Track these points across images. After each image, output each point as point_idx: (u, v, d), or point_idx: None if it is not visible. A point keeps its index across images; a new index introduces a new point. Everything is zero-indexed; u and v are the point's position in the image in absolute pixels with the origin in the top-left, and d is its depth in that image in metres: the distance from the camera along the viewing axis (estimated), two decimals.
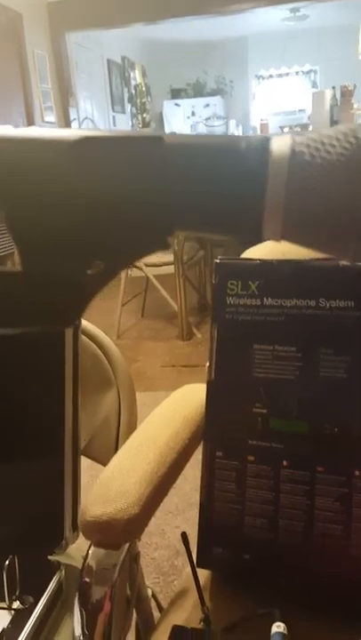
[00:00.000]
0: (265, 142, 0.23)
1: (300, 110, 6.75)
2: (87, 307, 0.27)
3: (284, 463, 0.69)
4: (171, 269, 3.16)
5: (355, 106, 4.92)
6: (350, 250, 0.24)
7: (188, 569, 0.71)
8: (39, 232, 0.24)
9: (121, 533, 0.57)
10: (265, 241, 0.25)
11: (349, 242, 0.23)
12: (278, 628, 0.61)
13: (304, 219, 0.24)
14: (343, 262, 0.68)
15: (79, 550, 0.77)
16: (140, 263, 3.21)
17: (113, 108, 6.80)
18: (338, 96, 5.05)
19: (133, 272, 3.33)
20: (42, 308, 0.26)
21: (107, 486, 0.61)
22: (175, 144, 0.24)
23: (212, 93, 7.99)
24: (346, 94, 4.91)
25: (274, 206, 0.23)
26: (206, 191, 0.24)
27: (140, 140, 0.24)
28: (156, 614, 0.85)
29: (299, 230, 0.24)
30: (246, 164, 0.23)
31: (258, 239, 0.25)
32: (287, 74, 7.95)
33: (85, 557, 0.58)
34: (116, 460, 0.66)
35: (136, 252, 0.26)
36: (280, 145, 0.23)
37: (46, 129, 0.25)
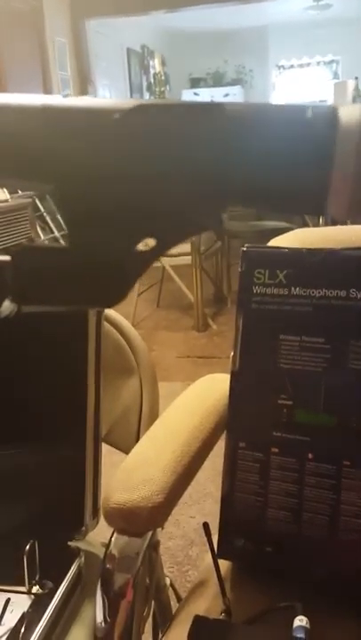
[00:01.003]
0: (333, 111, 0.22)
1: (322, 101, 6.66)
2: (133, 286, 0.26)
3: (310, 456, 0.67)
4: (187, 260, 3.15)
5: None
6: None
7: (208, 559, 0.70)
8: (89, 206, 0.23)
9: (145, 522, 0.56)
10: (329, 217, 0.23)
11: None
12: (301, 621, 0.61)
13: None
14: None
15: (98, 537, 0.77)
16: None
17: (132, 96, 6.76)
18: (360, 86, 4.97)
19: None
20: (86, 287, 0.25)
21: (130, 473, 0.60)
22: (237, 112, 0.23)
23: (232, 83, 7.91)
24: None
25: (342, 178, 0.22)
26: (269, 163, 0.23)
27: (199, 108, 0.23)
28: (173, 603, 0.85)
29: None
30: (313, 133, 0.22)
31: (320, 213, 0.24)
32: (308, 64, 7.85)
33: (108, 544, 0.58)
34: (139, 448, 0.65)
35: (189, 227, 0.25)
36: (349, 114, 0.22)
37: (99, 99, 0.24)
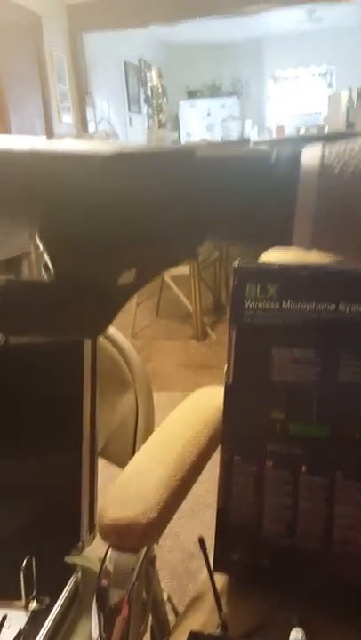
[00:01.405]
0: (295, 155, 0.23)
1: (317, 113, 6.71)
2: (115, 316, 0.27)
3: (304, 469, 0.68)
4: (186, 270, 3.16)
5: None
6: None
7: (205, 573, 0.71)
8: (72, 242, 0.25)
9: (140, 537, 0.57)
10: (296, 247, 0.24)
11: None
12: (297, 634, 0.61)
13: (333, 229, 0.24)
14: None
15: (95, 552, 0.77)
16: None
17: (130, 109, 6.82)
18: (354, 97, 5.01)
19: None
20: (72, 318, 0.26)
21: (125, 489, 0.60)
22: (206, 157, 0.24)
23: (228, 94, 7.98)
24: None
25: (303, 218, 0.23)
26: (237, 203, 0.24)
27: (172, 155, 0.24)
28: (171, 618, 0.85)
29: (328, 240, 0.24)
30: (277, 176, 0.23)
31: (288, 247, 0.25)
32: (303, 75, 7.91)
33: (103, 560, 0.58)
34: (134, 463, 0.65)
35: (167, 261, 0.26)
36: (310, 158, 0.23)
37: (81, 141, 0.25)
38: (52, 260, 0.25)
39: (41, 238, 0.25)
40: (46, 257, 0.25)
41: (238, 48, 7.73)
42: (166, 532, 1.60)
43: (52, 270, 0.25)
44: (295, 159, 0.23)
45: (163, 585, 1.35)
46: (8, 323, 0.27)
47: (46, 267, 0.25)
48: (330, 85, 7.72)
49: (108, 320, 0.27)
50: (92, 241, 0.25)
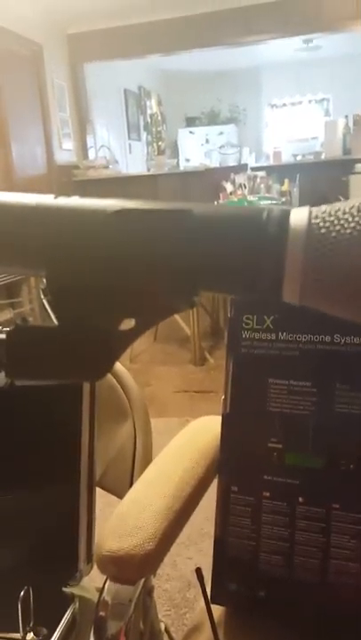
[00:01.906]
0: (285, 214, 0.25)
1: (313, 138, 6.83)
2: (116, 361, 0.28)
3: (300, 499, 0.69)
4: None
5: None
6: None
7: (202, 603, 0.71)
8: (76, 292, 0.26)
9: (137, 569, 0.57)
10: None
11: None
12: None
13: (320, 287, 0.25)
14: None
15: (93, 582, 0.77)
16: None
17: (129, 136, 6.93)
18: (351, 124, 5.11)
19: None
20: (74, 363, 0.27)
21: (123, 520, 0.61)
22: (202, 216, 0.26)
23: (226, 122, 8.12)
24: (359, 123, 4.97)
25: (292, 274, 0.25)
26: (230, 258, 0.26)
27: (170, 213, 0.26)
28: None
29: (315, 297, 0.26)
30: (267, 234, 0.25)
31: (279, 302, 0.26)
32: (300, 102, 8.07)
33: (101, 591, 0.59)
34: (131, 494, 0.66)
35: (165, 310, 0.27)
36: (298, 218, 0.25)
37: (87, 199, 0.27)
38: (56, 308, 0.27)
39: (47, 287, 0.26)
40: (46, 304, 0.26)
41: (236, 76, 7.90)
42: (165, 560, 1.59)
43: (54, 317, 0.27)
44: (285, 218, 0.25)
45: (161, 614, 1.34)
46: (14, 368, 0.28)
47: (45, 291, 0.26)
48: (327, 113, 7.86)
49: (109, 365, 0.28)
50: (95, 292, 0.26)
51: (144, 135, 7.35)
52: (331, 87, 7.83)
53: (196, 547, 1.53)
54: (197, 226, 0.25)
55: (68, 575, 0.74)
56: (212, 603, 0.71)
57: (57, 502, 0.76)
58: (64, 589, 0.74)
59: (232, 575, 0.71)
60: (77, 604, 0.72)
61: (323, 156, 5.45)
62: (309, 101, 8.04)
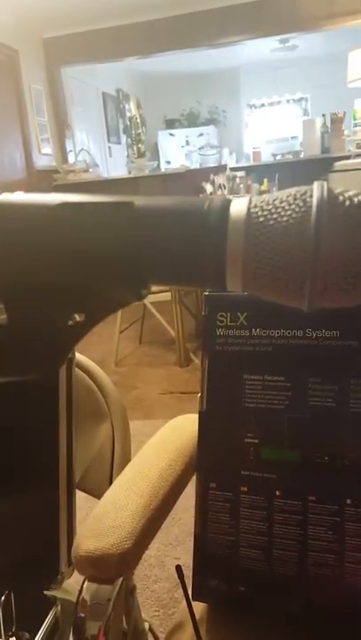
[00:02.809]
0: (225, 204, 0.26)
1: (293, 137, 6.88)
2: (67, 355, 0.29)
3: (277, 493, 0.69)
4: (168, 296, 3.19)
5: (345, 132, 5.02)
6: (305, 303, 0.26)
7: (185, 602, 0.71)
8: (23, 288, 0.26)
9: (114, 568, 0.57)
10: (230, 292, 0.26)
11: (302, 296, 0.25)
12: None
13: (260, 274, 0.26)
14: None
15: (76, 585, 0.77)
16: None
17: (109, 140, 6.93)
18: (328, 123, 5.15)
19: None
20: (26, 357, 0.28)
21: (100, 520, 0.61)
22: (143, 207, 0.26)
23: (206, 123, 8.15)
24: (336, 121, 5.02)
25: (233, 262, 0.25)
26: (173, 249, 0.26)
27: (112, 205, 0.26)
28: None
29: (258, 283, 0.26)
30: (208, 224, 0.26)
31: (223, 290, 0.27)
32: (279, 102, 8.13)
33: (80, 592, 0.59)
34: (109, 494, 0.66)
35: (113, 304, 0.28)
36: (238, 207, 0.25)
37: (31, 194, 0.27)
38: (5, 305, 0.27)
39: None
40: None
41: (215, 78, 7.93)
42: (152, 561, 1.59)
43: (4, 313, 0.27)
44: (225, 208, 0.26)
45: (149, 615, 1.34)
46: None
47: None
48: (305, 113, 7.92)
49: (61, 359, 0.28)
50: (41, 287, 0.26)
51: (124, 138, 7.35)
52: (308, 87, 7.90)
53: (184, 546, 1.54)
54: (139, 217, 0.26)
55: (50, 578, 0.74)
56: (194, 599, 0.71)
57: (36, 506, 0.75)
58: (46, 593, 0.73)
59: (213, 571, 0.72)
60: (59, 606, 0.72)
61: (302, 155, 5.49)
62: (288, 101, 8.10)
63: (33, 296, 0.26)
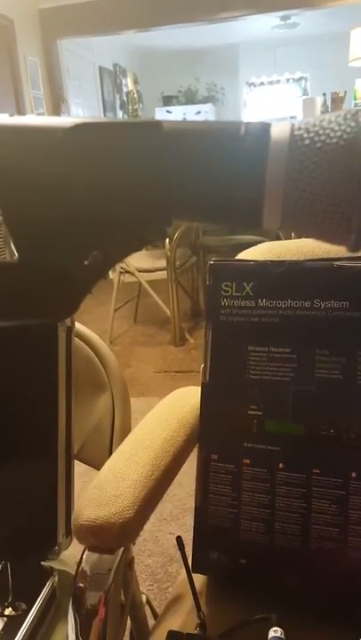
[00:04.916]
0: (265, 127, 0.23)
1: (292, 117, 6.79)
2: (83, 299, 0.27)
3: (280, 466, 0.68)
4: (163, 275, 3.16)
5: None
6: (351, 239, 0.23)
7: (183, 574, 0.70)
8: (35, 223, 0.24)
9: (115, 537, 0.56)
10: (265, 228, 0.24)
11: (350, 229, 0.23)
12: (275, 632, 0.61)
13: (304, 203, 0.23)
14: (338, 263, 0.68)
15: (73, 556, 0.76)
16: (133, 269, 3.20)
17: (105, 115, 6.81)
18: (328, 103, 5.09)
19: (126, 277, 3.32)
20: (37, 300, 0.25)
21: (101, 489, 0.60)
22: (173, 130, 0.24)
23: (204, 101, 8.03)
24: (336, 101, 4.95)
25: (273, 191, 0.23)
26: (205, 178, 0.23)
27: (137, 127, 0.23)
28: (151, 621, 0.84)
29: (299, 216, 0.24)
30: (245, 149, 0.23)
31: (258, 226, 0.25)
32: (278, 81, 8.01)
33: (79, 562, 0.57)
34: (110, 463, 0.65)
35: (134, 241, 0.25)
36: (279, 130, 0.23)
37: (43, 117, 0.25)
38: (15, 242, 0.25)
39: (3, 218, 0.24)
40: (10, 238, 0.24)
41: (214, 54, 7.79)
42: (146, 536, 1.59)
43: (15, 252, 0.24)
44: (265, 131, 0.23)
45: (143, 589, 1.34)
46: None
47: (2, 222, 0.24)
48: (305, 92, 7.82)
49: (76, 303, 0.26)
50: (55, 221, 0.24)
51: (120, 114, 7.23)
52: (309, 66, 7.78)
53: (178, 522, 1.54)
54: (167, 141, 0.23)
55: (47, 549, 0.73)
56: (194, 572, 0.70)
57: (34, 475, 0.74)
58: (43, 564, 0.72)
59: (213, 543, 0.71)
60: (57, 577, 0.71)
61: None
62: (287, 80, 7.98)
63: (46, 232, 0.24)
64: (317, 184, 0.23)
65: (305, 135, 0.23)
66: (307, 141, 0.23)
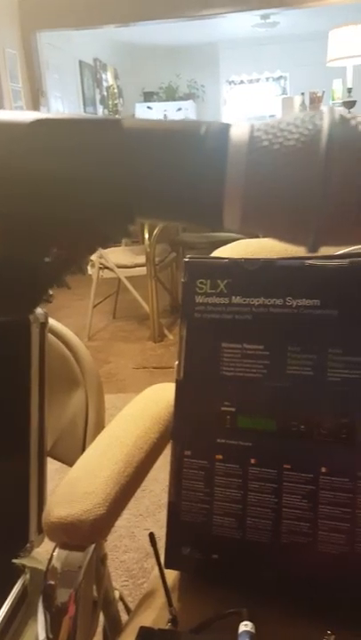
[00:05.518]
0: (225, 128, 0.23)
1: (271, 116, 6.82)
2: (44, 295, 0.26)
3: (252, 461, 0.69)
4: (143, 271, 3.16)
5: None
6: (310, 239, 0.24)
7: (157, 570, 0.70)
8: None
9: (86, 534, 0.56)
10: (226, 228, 0.24)
11: (308, 230, 0.23)
12: (246, 626, 0.61)
13: (263, 204, 0.24)
14: (309, 261, 0.68)
15: (47, 553, 0.75)
16: (112, 264, 3.19)
17: (85, 110, 6.76)
18: (307, 102, 5.12)
19: (105, 273, 3.31)
20: (0, 297, 0.25)
21: (72, 486, 0.60)
22: (133, 129, 0.24)
23: (185, 97, 8.01)
24: (314, 100, 4.99)
25: (233, 192, 0.23)
26: (166, 177, 0.23)
27: (97, 124, 0.23)
28: (125, 617, 0.84)
29: (258, 216, 0.24)
30: (206, 148, 0.23)
31: (219, 226, 0.25)
32: (258, 79, 8.03)
33: (50, 559, 0.57)
34: (82, 460, 0.65)
35: (96, 239, 0.25)
36: (239, 131, 0.23)
37: (8, 111, 0.24)
38: None
39: None
40: None
41: (194, 52, 7.78)
42: (122, 532, 1.58)
43: None
44: (225, 132, 0.23)
45: (118, 585, 1.34)
46: None
47: None
48: (284, 91, 7.86)
49: (37, 299, 0.26)
50: (14, 217, 0.24)
51: (100, 109, 7.18)
52: (288, 65, 7.81)
53: (154, 518, 1.54)
54: (127, 139, 0.23)
55: (19, 547, 0.72)
56: (167, 567, 0.71)
57: (6, 472, 0.73)
58: (14, 561, 0.72)
59: (186, 539, 0.71)
60: (28, 575, 0.71)
61: None
62: (267, 79, 8.01)
63: (6, 228, 0.24)
64: (276, 185, 0.23)
65: (264, 137, 0.23)
66: (265, 143, 0.23)
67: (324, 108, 0.24)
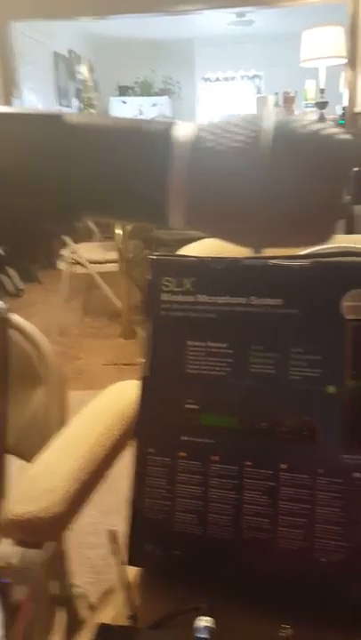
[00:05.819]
0: (170, 126, 0.23)
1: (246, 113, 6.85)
2: None
3: (215, 458, 0.69)
4: (115, 267, 3.14)
5: (296, 112, 5.05)
6: (254, 239, 0.24)
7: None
8: None
9: (45, 532, 0.56)
10: (171, 226, 0.24)
11: (253, 230, 0.23)
12: (205, 622, 0.62)
13: (207, 204, 0.24)
14: (273, 261, 0.69)
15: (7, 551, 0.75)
16: (84, 260, 3.17)
17: (59, 102, 6.68)
18: (280, 102, 5.16)
19: (77, 269, 3.28)
20: None
21: (32, 483, 0.59)
22: (76, 124, 0.23)
23: (160, 93, 7.99)
24: (288, 100, 5.04)
25: (177, 190, 0.23)
26: (109, 174, 0.23)
27: (38, 118, 0.23)
28: (88, 614, 0.84)
29: (203, 216, 0.24)
30: (150, 147, 0.23)
31: (165, 225, 0.25)
32: (233, 78, 8.06)
33: (6, 557, 0.57)
34: (43, 457, 0.64)
35: (40, 234, 0.25)
36: (184, 130, 0.23)
37: None
38: None
39: None
40: None
41: (170, 47, 7.75)
42: (87, 528, 1.57)
43: None
44: (169, 130, 0.23)
45: (83, 581, 1.33)
46: None
47: None
48: (258, 90, 7.90)
49: None
50: None
51: (75, 102, 7.10)
52: (263, 64, 7.85)
53: (120, 515, 1.53)
54: (68, 134, 0.23)
55: None
56: (129, 564, 0.71)
57: None
58: None
59: (148, 536, 0.71)
60: None
61: None
62: (242, 77, 8.04)
63: None
64: (219, 185, 0.23)
65: (209, 137, 0.23)
66: (210, 143, 0.23)
67: (266, 110, 0.24)
